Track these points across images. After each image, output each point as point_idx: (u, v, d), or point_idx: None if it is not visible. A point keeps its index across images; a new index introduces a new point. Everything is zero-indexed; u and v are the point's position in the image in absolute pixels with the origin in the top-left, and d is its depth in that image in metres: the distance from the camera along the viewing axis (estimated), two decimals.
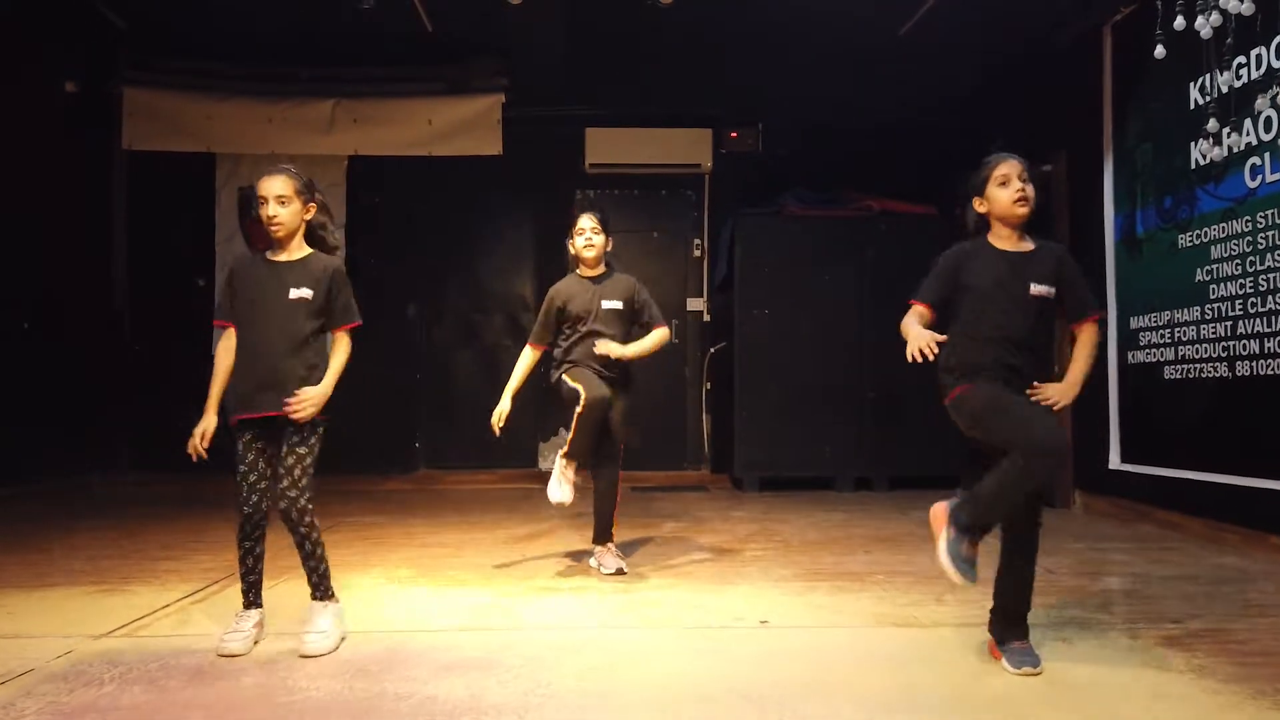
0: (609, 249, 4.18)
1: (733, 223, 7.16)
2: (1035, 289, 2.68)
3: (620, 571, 3.95)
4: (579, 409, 3.81)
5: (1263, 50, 4.33)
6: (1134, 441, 5.31)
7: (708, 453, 7.84)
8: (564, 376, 4.01)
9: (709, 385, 7.83)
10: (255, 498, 2.83)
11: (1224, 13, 4.23)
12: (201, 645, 2.87)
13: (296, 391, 2.82)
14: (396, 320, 7.64)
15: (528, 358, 4.18)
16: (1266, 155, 4.33)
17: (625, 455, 4.13)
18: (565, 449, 3.90)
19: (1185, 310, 4.88)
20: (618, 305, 4.09)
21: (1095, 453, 5.55)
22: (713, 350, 7.76)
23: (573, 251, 4.16)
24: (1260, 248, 4.36)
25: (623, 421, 4.07)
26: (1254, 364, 4.41)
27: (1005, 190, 2.72)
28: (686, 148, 7.65)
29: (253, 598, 2.93)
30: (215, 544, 4.60)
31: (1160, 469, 5.06)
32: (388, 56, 7.26)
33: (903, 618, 3.21)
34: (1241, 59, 4.44)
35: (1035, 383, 2.67)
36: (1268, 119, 4.31)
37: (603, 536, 4.12)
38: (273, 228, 2.92)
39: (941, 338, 2.60)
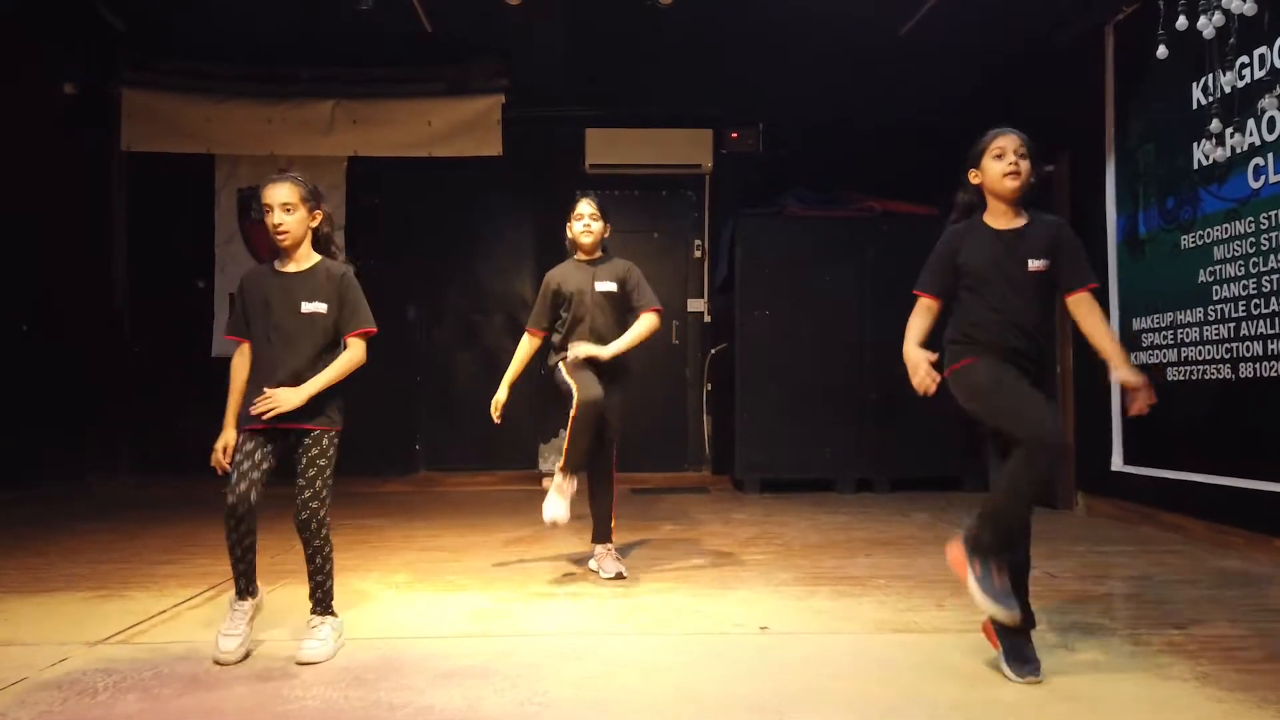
0: (607, 236, 4.16)
1: (733, 223, 7.14)
2: (1032, 265, 2.66)
3: (619, 576, 3.93)
4: (572, 411, 3.75)
5: (1266, 50, 4.29)
6: (1136, 443, 5.29)
7: (708, 454, 7.82)
8: (560, 367, 3.95)
9: (710, 386, 7.81)
10: (244, 486, 2.75)
11: (1227, 12, 4.21)
12: (197, 652, 2.86)
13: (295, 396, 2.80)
14: (396, 321, 7.61)
15: (526, 345, 4.15)
16: (1270, 156, 4.31)
17: (625, 455, 4.10)
18: (562, 461, 3.83)
19: (1188, 311, 4.85)
20: (611, 287, 4.05)
21: (1097, 454, 5.53)
22: (713, 351, 7.74)
23: (570, 236, 4.14)
24: (1263, 249, 4.34)
25: (619, 415, 4.03)
26: (1257, 365, 4.38)
27: (998, 163, 2.70)
28: (687, 148, 7.62)
29: (244, 585, 2.87)
30: (215, 547, 4.55)
31: (1163, 471, 5.04)
32: (387, 57, 7.24)
33: (904, 623, 3.19)
34: (1244, 59, 4.41)
35: (1041, 366, 2.69)
36: (1271, 119, 4.28)
37: (602, 536, 4.10)
38: (279, 236, 2.90)
39: (938, 377, 2.64)
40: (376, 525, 5.48)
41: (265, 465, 2.81)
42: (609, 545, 4.09)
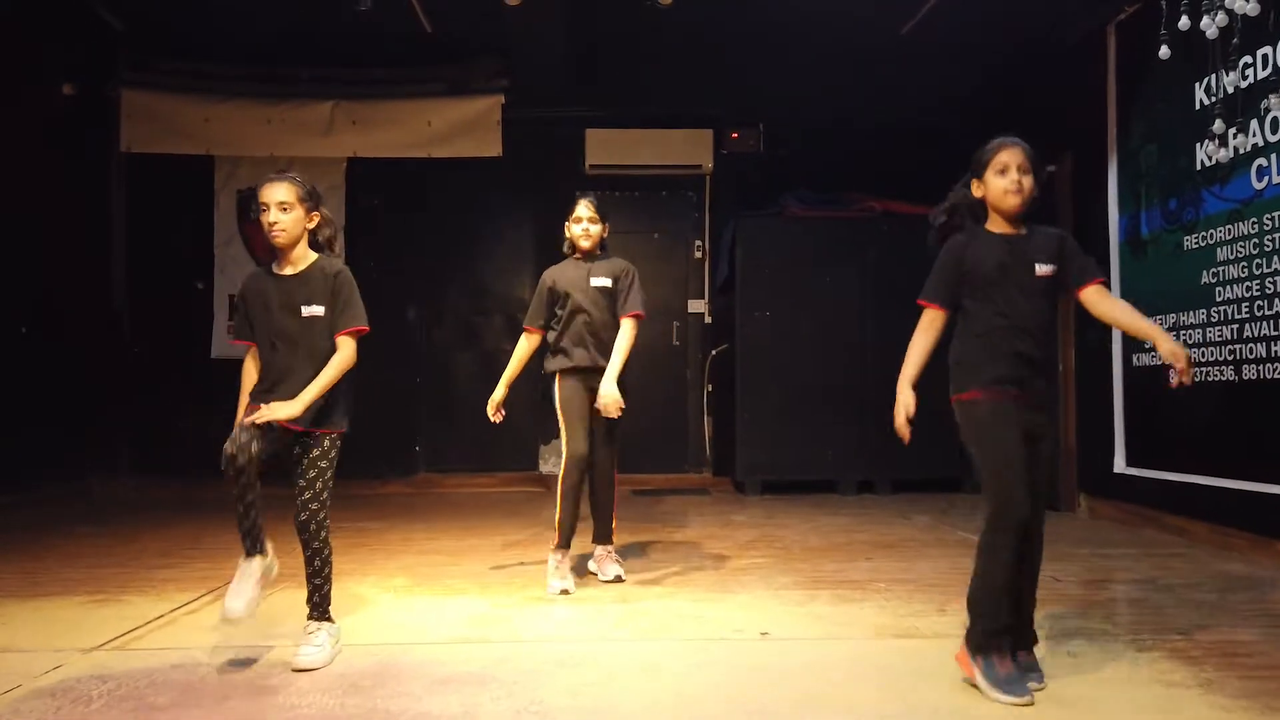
0: (605, 237, 4.15)
1: (734, 224, 7.12)
2: (1040, 269, 2.65)
3: (619, 578, 3.91)
4: (560, 471, 3.84)
5: (1269, 50, 4.27)
6: (1139, 445, 5.26)
7: (709, 456, 7.79)
8: (554, 386, 3.97)
9: (710, 387, 7.78)
10: (245, 436, 2.62)
11: (1230, 13, 4.18)
12: (193, 659, 2.84)
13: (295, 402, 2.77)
14: (396, 322, 7.59)
15: (524, 344, 4.13)
16: (1273, 157, 4.28)
17: (626, 457, 4.09)
18: (555, 539, 3.84)
19: (1191, 313, 4.83)
20: (606, 283, 4.04)
21: (1100, 455, 5.51)
22: (714, 352, 7.72)
23: (569, 238, 4.13)
24: (1266, 250, 4.31)
25: (616, 428, 4.01)
26: (1260, 367, 4.36)
27: (1001, 180, 2.67)
28: (687, 148, 7.60)
29: (250, 545, 2.75)
30: (214, 550, 4.57)
31: (1166, 473, 5.01)
32: (387, 57, 7.22)
33: (905, 628, 3.17)
34: (1247, 59, 4.38)
35: (1049, 372, 2.67)
36: (1274, 120, 4.25)
37: (603, 536, 4.08)
38: (274, 235, 2.87)
39: (906, 434, 2.68)
40: (375, 528, 5.46)
41: (262, 435, 2.67)
42: (609, 547, 4.08)
